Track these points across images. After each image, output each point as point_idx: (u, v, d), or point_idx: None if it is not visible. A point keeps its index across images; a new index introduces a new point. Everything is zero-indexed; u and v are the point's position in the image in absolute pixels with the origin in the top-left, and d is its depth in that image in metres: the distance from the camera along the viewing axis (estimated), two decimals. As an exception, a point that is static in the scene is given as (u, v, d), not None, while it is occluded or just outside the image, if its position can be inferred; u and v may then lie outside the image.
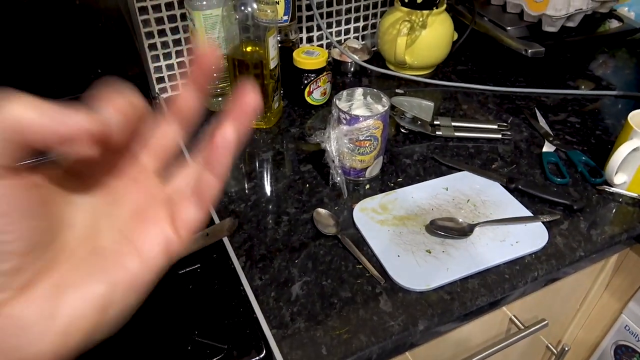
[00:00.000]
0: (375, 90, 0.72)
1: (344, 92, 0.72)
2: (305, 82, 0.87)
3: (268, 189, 0.72)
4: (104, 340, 0.24)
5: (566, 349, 0.81)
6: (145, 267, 0.24)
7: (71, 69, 0.83)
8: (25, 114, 0.18)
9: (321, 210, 0.67)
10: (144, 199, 0.26)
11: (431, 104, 0.83)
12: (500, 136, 0.82)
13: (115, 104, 0.23)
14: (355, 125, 0.67)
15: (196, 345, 0.53)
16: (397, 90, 0.95)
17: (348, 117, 0.67)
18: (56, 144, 0.20)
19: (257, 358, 0.51)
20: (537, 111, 0.88)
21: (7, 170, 0.19)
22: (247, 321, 0.55)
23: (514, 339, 0.67)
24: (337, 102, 0.69)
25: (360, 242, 0.63)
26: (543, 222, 0.65)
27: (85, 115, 0.20)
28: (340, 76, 1.00)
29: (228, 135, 0.23)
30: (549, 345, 0.84)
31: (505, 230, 0.64)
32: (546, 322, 0.69)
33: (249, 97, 0.24)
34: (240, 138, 0.23)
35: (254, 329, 0.54)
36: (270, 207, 0.69)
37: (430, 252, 0.61)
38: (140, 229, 0.25)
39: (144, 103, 0.24)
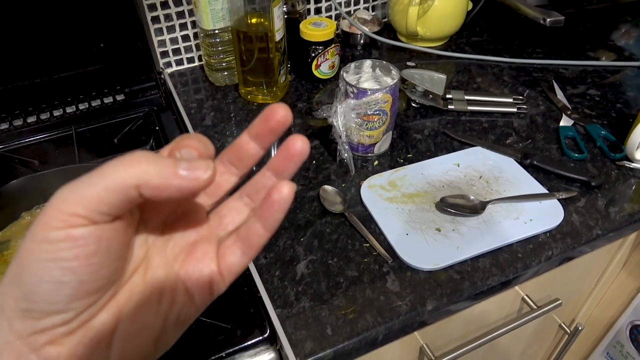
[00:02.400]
0: (384, 62, 0.69)
1: (352, 65, 0.69)
2: (313, 54, 0.84)
3: (274, 166, 0.71)
4: None
5: (580, 328, 0.79)
6: (192, 303, 0.26)
7: (74, 43, 0.81)
8: (145, 174, 0.20)
9: (328, 188, 0.65)
10: (194, 236, 0.27)
11: (443, 77, 0.80)
12: (515, 110, 0.79)
13: (200, 150, 0.24)
14: (363, 99, 0.64)
15: (200, 325, 0.52)
16: (408, 63, 0.92)
17: (356, 91, 0.64)
18: (169, 197, 0.21)
19: (260, 338, 0.50)
20: (554, 84, 0.85)
21: (113, 218, 0.21)
22: (251, 300, 0.54)
23: (526, 318, 0.65)
24: (345, 74, 0.66)
25: (368, 220, 0.61)
26: (559, 199, 0.62)
27: (202, 169, 0.21)
28: (350, 49, 0.97)
29: (285, 192, 0.23)
30: (562, 324, 0.82)
31: (519, 208, 0.61)
32: (560, 302, 0.67)
33: (298, 145, 0.26)
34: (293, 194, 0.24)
35: (258, 309, 0.53)
36: (275, 184, 0.67)
37: (440, 231, 0.59)
38: (189, 265, 0.26)
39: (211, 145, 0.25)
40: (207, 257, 0.26)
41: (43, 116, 0.82)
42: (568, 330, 0.81)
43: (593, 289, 0.81)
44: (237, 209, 0.28)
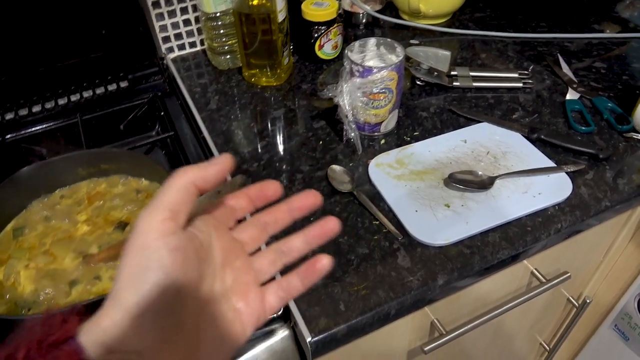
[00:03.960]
0: (389, 40, 0.68)
1: (356, 43, 0.68)
2: (316, 35, 0.83)
3: (280, 147, 0.71)
4: None
5: (588, 301, 0.80)
6: (243, 334, 0.30)
7: (75, 30, 0.80)
8: (194, 173, 0.27)
9: (335, 167, 0.65)
10: (244, 276, 0.31)
11: (448, 53, 0.80)
12: (521, 85, 0.78)
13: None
14: (369, 77, 0.64)
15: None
16: (412, 41, 0.91)
17: (361, 69, 0.64)
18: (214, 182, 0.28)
19: (274, 315, 0.51)
20: (559, 57, 0.84)
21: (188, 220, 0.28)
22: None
23: (535, 292, 0.66)
24: (349, 53, 0.66)
25: (377, 198, 0.61)
26: (567, 173, 0.62)
27: (223, 159, 0.29)
28: (352, 28, 0.96)
29: (325, 264, 0.31)
30: (570, 298, 0.83)
31: (528, 182, 0.61)
32: (569, 274, 0.67)
33: (330, 225, 0.33)
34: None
35: (271, 287, 0.53)
36: (283, 165, 0.67)
37: (448, 207, 0.59)
38: (240, 297, 0.30)
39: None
40: (258, 297, 0.31)
41: (48, 105, 0.82)
42: (576, 304, 0.82)
43: (601, 262, 0.82)
44: (271, 260, 0.32)
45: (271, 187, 0.33)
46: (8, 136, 0.76)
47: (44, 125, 0.79)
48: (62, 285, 0.50)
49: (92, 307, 0.41)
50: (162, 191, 0.26)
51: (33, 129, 0.79)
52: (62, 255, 0.53)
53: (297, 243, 0.33)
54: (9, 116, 0.80)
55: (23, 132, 0.78)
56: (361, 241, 0.57)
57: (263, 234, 0.33)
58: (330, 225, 0.32)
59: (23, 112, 0.80)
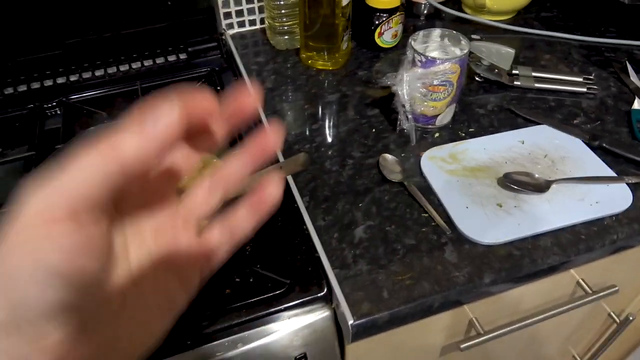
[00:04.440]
0: (454, 32, 0.67)
1: (420, 33, 0.68)
2: (377, 22, 0.83)
3: (333, 132, 0.71)
4: None
5: (631, 318, 0.77)
6: (181, 286, 0.26)
7: (142, 0, 0.82)
8: (130, 146, 0.19)
9: (387, 156, 0.65)
10: (168, 219, 0.26)
11: (512, 51, 0.78)
12: (585, 90, 0.76)
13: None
14: (431, 68, 0.63)
15: (258, 278, 0.54)
16: (473, 36, 0.89)
17: (423, 60, 0.63)
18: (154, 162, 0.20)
19: (318, 295, 0.52)
20: (628, 65, 0.81)
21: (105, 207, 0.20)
22: (309, 259, 0.55)
23: (578, 302, 0.64)
24: (413, 42, 0.65)
25: (427, 190, 0.61)
26: (628, 184, 0.60)
27: (166, 111, 0.20)
28: (412, 19, 0.95)
29: (274, 191, 0.25)
30: (612, 313, 0.80)
31: (585, 190, 0.60)
32: (616, 288, 0.65)
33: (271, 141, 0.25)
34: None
35: (315, 268, 0.54)
36: (334, 149, 0.68)
37: (501, 206, 0.58)
38: (170, 246, 0.25)
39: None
40: (186, 236, 0.26)
41: (110, 70, 0.85)
42: (618, 320, 0.79)
43: (649, 280, 0.79)
44: (207, 193, 0.27)
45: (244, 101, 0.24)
46: (73, 97, 0.79)
47: (105, 90, 0.82)
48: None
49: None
50: (72, 167, 0.18)
51: (95, 92, 0.81)
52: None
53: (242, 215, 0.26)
54: (73, 78, 0.83)
55: (86, 94, 0.81)
56: (408, 232, 0.57)
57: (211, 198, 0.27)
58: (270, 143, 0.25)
59: (86, 75, 0.83)
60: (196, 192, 0.27)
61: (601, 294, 0.64)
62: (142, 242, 0.25)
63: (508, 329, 0.62)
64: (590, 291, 0.65)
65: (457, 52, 0.67)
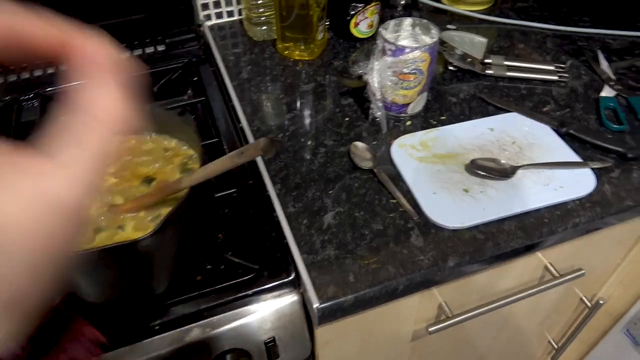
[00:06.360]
0: (424, 21, 0.68)
1: (391, 22, 0.68)
2: (352, 12, 0.83)
3: (307, 121, 0.72)
4: None
5: (601, 302, 0.79)
6: None
7: (118, -9, 0.83)
8: None
9: (358, 144, 0.66)
10: None
11: (484, 40, 0.78)
12: (556, 78, 0.77)
13: None
14: (401, 56, 0.64)
15: (229, 264, 0.55)
16: (449, 26, 0.90)
17: (393, 48, 0.64)
18: None
19: (285, 280, 0.53)
20: (599, 54, 0.82)
21: None
22: (278, 245, 0.56)
23: (546, 285, 0.65)
24: (383, 32, 0.66)
25: (396, 177, 0.62)
26: (592, 169, 0.62)
27: None
28: (390, 9, 0.96)
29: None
30: (583, 297, 0.82)
31: (551, 175, 0.61)
32: (583, 272, 0.67)
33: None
34: None
35: (284, 253, 0.55)
36: (307, 138, 0.69)
37: (467, 192, 0.59)
38: None
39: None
40: None
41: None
42: (589, 304, 0.81)
43: (619, 264, 0.80)
44: None
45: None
46: (50, 89, 0.80)
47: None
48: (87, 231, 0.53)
49: (112, 250, 0.43)
50: None
51: (70, 85, 0.81)
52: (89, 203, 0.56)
53: None
54: (50, 70, 0.83)
55: (60, 87, 0.81)
56: (377, 217, 0.58)
57: None
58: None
59: (64, 67, 0.83)
60: None
61: (568, 277, 0.66)
62: None
63: (477, 312, 0.64)
64: (557, 275, 0.66)
65: (428, 40, 0.67)
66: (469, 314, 0.63)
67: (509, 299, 0.65)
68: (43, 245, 0.18)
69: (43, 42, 0.22)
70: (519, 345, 0.97)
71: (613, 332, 0.90)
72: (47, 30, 0.22)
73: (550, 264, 0.67)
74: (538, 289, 0.66)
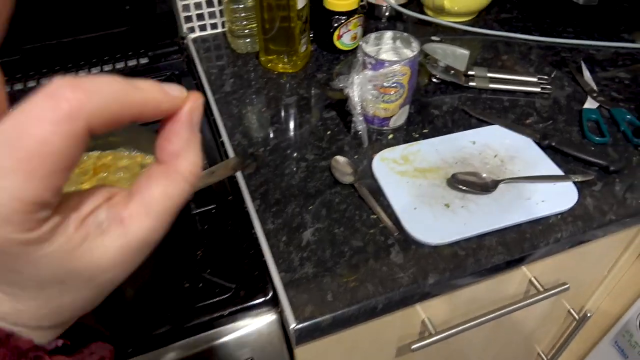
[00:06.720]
0: (405, 34, 0.68)
1: (372, 35, 0.68)
2: (335, 25, 0.83)
3: (289, 134, 0.71)
4: None
5: (588, 315, 0.78)
6: None
7: (100, 4, 0.82)
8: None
9: (339, 158, 0.65)
10: None
11: (466, 53, 0.78)
12: (539, 90, 0.76)
13: None
14: (381, 70, 0.64)
15: (207, 283, 0.54)
16: (433, 38, 0.90)
17: (373, 62, 0.64)
18: None
19: (263, 299, 0.52)
20: (583, 65, 0.82)
21: None
22: (256, 263, 0.55)
23: (531, 300, 0.65)
24: (364, 45, 0.66)
25: (377, 192, 0.61)
26: (574, 182, 0.61)
27: None
28: (374, 21, 0.96)
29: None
30: (571, 310, 0.81)
31: (532, 189, 0.60)
32: (567, 286, 0.66)
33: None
34: None
35: (262, 272, 0.54)
36: (289, 152, 0.68)
37: (448, 206, 0.58)
38: None
39: None
40: None
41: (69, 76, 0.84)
42: (577, 317, 0.80)
43: (605, 276, 0.80)
44: None
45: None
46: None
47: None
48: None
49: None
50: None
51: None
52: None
53: None
54: (31, 84, 0.82)
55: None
56: (357, 234, 0.57)
57: None
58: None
59: (45, 81, 0.83)
60: None
61: (552, 292, 0.65)
62: None
63: (461, 328, 0.63)
64: (541, 289, 0.65)
65: (408, 53, 0.67)
66: (453, 331, 0.62)
67: (494, 314, 0.65)
68: (122, 275, 0.22)
69: (164, 107, 0.22)
70: (508, 358, 0.96)
71: (602, 344, 0.90)
72: (165, 95, 0.22)
73: (535, 277, 0.67)
74: (523, 303, 0.65)
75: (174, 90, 0.22)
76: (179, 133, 0.23)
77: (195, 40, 0.92)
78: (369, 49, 0.67)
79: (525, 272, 0.66)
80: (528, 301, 0.65)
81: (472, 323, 0.63)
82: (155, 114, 0.22)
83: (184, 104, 0.23)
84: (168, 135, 0.23)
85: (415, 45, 0.66)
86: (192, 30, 0.92)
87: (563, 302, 0.82)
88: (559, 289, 0.65)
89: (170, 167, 0.22)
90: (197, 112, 0.23)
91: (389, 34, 0.68)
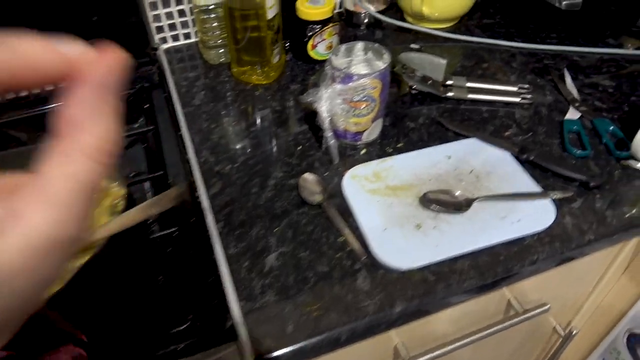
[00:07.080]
0: (376, 45, 0.65)
1: (342, 47, 0.65)
2: (309, 34, 0.80)
3: (258, 150, 0.68)
4: None
5: (574, 332, 0.75)
6: None
7: (66, 16, 0.79)
8: None
9: (308, 176, 0.62)
10: None
11: (443, 62, 0.75)
12: (519, 100, 0.74)
13: None
14: (350, 84, 0.61)
15: (163, 312, 0.51)
16: (412, 46, 0.87)
17: (342, 75, 0.61)
18: None
19: (220, 331, 0.49)
20: (565, 72, 0.79)
21: None
22: (215, 292, 0.52)
23: (510, 322, 0.62)
24: (333, 58, 0.63)
25: (347, 212, 0.58)
26: (553, 199, 0.58)
27: None
28: (353, 28, 0.93)
29: None
30: (557, 326, 0.78)
31: (508, 207, 0.57)
32: (548, 306, 0.63)
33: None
34: None
35: (221, 301, 0.51)
36: (257, 169, 0.65)
37: (420, 227, 0.56)
38: None
39: None
40: None
41: (35, 90, 0.81)
42: (562, 334, 0.78)
43: (590, 292, 0.77)
44: None
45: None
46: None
47: (30, 111, 0.78)
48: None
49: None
50: None
51: (21, 113, 0.78)
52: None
53: None
54: (-4, 99, 0.79)
55: (7, 116, 0.77)
56: (322, 258, 0.54)
57: None
58: None
59: (10, 96, 0.80)
60: None
61: (531, 313, 0.62)
62: None
63: (437, 352, 0.60)
64: (520, 310, 0.63)
65: (380, 65, 0.64)
66: (430, 355, 0.60)
67: (473, 337, 0.62)
68: (34, 280, 0.18)
69: (50, 67, 0.19)
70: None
71: (590, 360, 0.87)
72: (51, 52, 0.19)
73: (515, 297, 0.64)
74: (502, 325, 0.62)
75: (69, 47, 0.19)
76: (83, 99, 0.19)
77: (167, 51, 0.89)
78: (339, 61, 0.64)
79: (504, 293, 0.63)
80: (508, 323, 0.62)
81: (450, 347, 0.61)
82: (38, 76, 0.19)
83: (98, 64, 0.19)
84: (69, 103, 0.19)
85: (386, 56, 0.63)
86: (164, 40, 0.89)
87: (549, 319, 0.79)
88: (539, 310, 0.63)
89: (70, 142, 0.19)
90: (114, 73, 0.20)
91: (360, 45, 0.66)
